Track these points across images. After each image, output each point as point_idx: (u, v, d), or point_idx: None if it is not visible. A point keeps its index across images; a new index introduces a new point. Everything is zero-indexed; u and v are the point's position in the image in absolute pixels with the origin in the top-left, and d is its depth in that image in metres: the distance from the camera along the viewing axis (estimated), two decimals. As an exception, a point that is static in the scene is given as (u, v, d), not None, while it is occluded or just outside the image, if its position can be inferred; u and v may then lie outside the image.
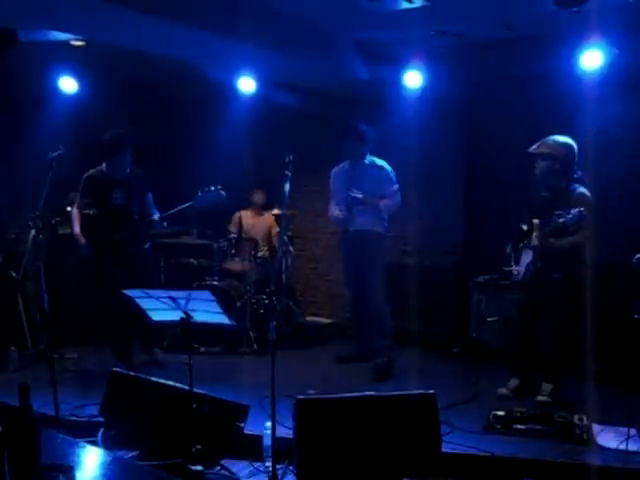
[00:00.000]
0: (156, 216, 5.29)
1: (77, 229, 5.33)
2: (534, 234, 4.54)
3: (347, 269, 5.86)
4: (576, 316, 4.69)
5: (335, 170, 5.82)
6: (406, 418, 3.42)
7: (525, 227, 4.68)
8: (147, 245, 5.45)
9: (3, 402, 3.79)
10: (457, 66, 5.90)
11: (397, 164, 5.77)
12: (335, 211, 5.68)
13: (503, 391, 4.85)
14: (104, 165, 5.33)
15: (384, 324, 5.53)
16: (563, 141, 4.66)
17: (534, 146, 4.72)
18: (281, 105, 6.74)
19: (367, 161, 5.62)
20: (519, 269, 4.79)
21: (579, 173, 4.69)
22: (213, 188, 4.94)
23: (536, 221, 4.55)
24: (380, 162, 5.64)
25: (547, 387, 4.71)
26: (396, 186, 5.61)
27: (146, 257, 5.45)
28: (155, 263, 5.61)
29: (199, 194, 4.94)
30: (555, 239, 4.52)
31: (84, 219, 5.32)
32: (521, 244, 4.77)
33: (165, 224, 5.26)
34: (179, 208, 5.09)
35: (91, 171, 5.38)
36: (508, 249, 4.91)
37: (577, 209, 4.25)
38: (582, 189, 4.63)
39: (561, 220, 4.32)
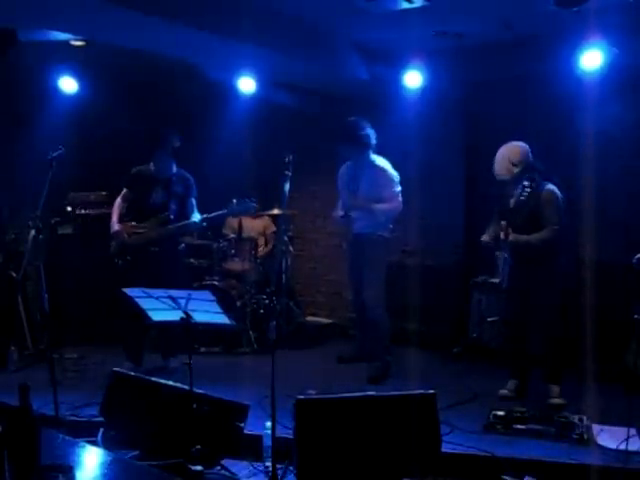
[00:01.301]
0: (196, 218, 5.24)
1: (115, 217, 5.30)
2: (501, 233, 4.56)
3: (349, 271, 5.83)
4: (564, 315, 4.70)
5: (341, 169, 5.69)
6: (406, 418, 3.42)
7: (502, 236, 4.64)
8: (181, 247, 5.38)
9: (3, 402, 3.79)
10: (457, 66, 5.90)
11: (397, 164, 5.74)
12: (336, 212, 5.67)
13: (504, 392, 4.83)
14: (151, 163, 5.36)
15: (381, 326, 5.48)
16: (507, 152, 4.65)
17: (495, 170, 4.71)
18: (281, 105, 6.74)
19: (367, 161, 5.43)
20: (502, 276, 4.80)
21: (542, 168, 4.66)
22: (247, 199, 5.07)
23: (503, 222, 4.55)
24: (381, 163, 5.44)
25: (555, 389, 4.66)
26: (397, 189, 5.38)
27: (172, 260, 5.29)
28: (182, 267, 5.50)
29: (234, 202, 4.98)
30: (519, 234, 4.54)
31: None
32: (497, 253, 4.77)
33: (205, 224, 5.26)
34: (215, 214, 5.19)
35: (140, 166, 5.40)
36: (485, 237, 4.88)
37: None
38: (549, 186, 4.62)
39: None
